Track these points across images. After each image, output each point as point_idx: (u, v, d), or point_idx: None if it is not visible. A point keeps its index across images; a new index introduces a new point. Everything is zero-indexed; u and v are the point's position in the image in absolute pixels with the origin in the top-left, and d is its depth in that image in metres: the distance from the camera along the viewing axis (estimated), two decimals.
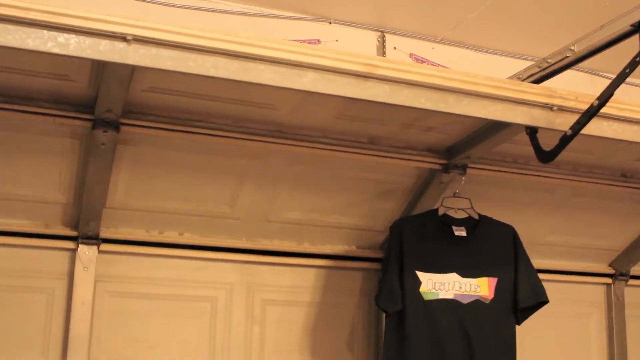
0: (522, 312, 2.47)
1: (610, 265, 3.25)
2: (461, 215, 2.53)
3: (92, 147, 2.14)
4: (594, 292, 3.22)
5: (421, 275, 2.43)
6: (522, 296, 2.45)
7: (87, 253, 2.41)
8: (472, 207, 2.52)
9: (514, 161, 2.62)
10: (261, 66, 1.71)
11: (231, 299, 2.64)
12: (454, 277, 2.44)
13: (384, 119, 2.29)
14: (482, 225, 2.52)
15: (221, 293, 2.63)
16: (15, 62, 1.87)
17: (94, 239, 2.42)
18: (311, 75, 1.76)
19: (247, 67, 1.70)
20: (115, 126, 2.10)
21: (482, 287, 2.45)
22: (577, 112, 1.99)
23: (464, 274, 2.45)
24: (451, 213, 2.53)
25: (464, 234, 2.49)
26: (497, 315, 2.43)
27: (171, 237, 2.55)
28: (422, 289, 2.42)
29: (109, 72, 1.81)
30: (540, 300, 2.47)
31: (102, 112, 2.04)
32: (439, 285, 2.43)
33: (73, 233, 2.42)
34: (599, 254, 3.19)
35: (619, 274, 3.21)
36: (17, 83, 1.98)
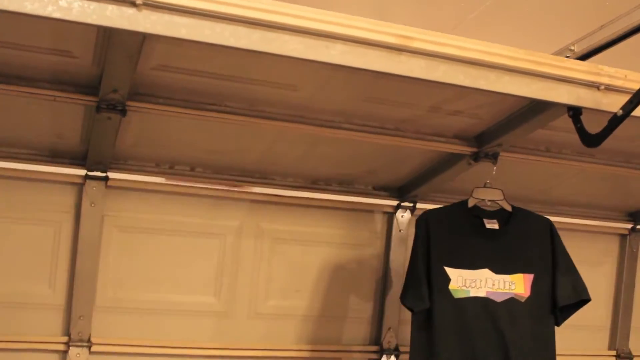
0: (562, 312, 2.27)
1: (630, 215, 3.14)
2: (493, 207, 2.35)
3: (96, 121, 2.02)
4: (609, 242, 3.16)
5: (450, 271, 2.26)
6: (561, 294, 2.27)
7: (94, 188, 2.35)
8: (504, 199, 2.35)
9: (547, 150, 2.46)
10: (285, 36, 1.55)
11: (240, 237, 2.59)
12: (486, 273, 2.26)
13: (410, 102, 2.13)
14: (515, 218, 2.34)
15: (230, 231, 2.59)
16: (11, 34, 1.69)
17: (102, 174, 2.35)
18: (339, 47, 1.61)
19: (269, 37, 1.54)
20: (121, 109, 1.94)
21: (517, 284, 2.26)
22: (626, 92, 1.84)
23: (497, 270, 2.27)
24: (482, 205, 2.35)
25: (496, 226, 2.31)
26: (534, 315, 2.25)
27: (182, 171, 2.47)
28: (451, 286, 2.25)
29: (116, 44, 1.64)
30: (581, 298, 2.28)
31: (108, 93, 1.88)
32: (469, 282, 2.26)
33: (81, 169, 2.34)
34: (618, 206, 3.09)
35: (637, 225, 3.13)
36: (13, 60, 1.81)
